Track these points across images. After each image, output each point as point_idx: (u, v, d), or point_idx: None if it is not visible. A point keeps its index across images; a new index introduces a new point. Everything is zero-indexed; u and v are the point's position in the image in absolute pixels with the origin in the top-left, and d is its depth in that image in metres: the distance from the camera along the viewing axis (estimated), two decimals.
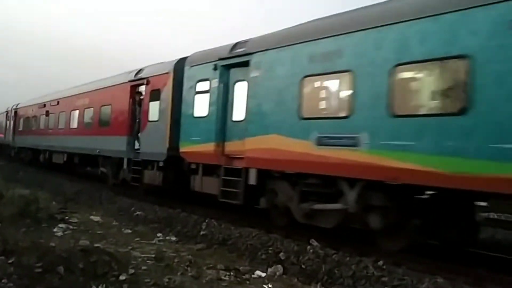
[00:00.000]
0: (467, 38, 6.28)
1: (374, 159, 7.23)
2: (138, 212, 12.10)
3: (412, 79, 7.21)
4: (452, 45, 6.45)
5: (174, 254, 7.90)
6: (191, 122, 11.59)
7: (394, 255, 7.42)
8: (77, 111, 19.14)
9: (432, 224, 7.56)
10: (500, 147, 5.81)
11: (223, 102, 10.65)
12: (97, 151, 16.38)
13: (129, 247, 8.25)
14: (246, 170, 9.79)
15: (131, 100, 14.60)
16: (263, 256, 8.03)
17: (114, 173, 15.71)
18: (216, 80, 10.79)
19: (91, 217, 11.40)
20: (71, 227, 9.86)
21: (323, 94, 8.61)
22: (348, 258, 7.23)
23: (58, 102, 22.08)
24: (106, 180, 16.52)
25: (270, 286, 6.70)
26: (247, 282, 6.82)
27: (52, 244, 7.31)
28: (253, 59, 9.80)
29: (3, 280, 5.47)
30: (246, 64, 9.98)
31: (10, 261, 6.06)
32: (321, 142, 8.11)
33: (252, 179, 9.64)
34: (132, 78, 14.68)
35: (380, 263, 6.99)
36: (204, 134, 10.94)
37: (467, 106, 6.20)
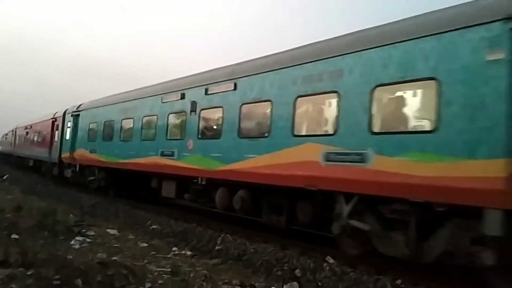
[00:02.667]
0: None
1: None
2: (154, 226, 12.26)
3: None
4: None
5: (189, 269, 7.85)
6: (65, 142, 23.07)
7: (413, 274, 7.33)
8: (36, 133, 31.27)
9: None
10: None
11: (74, 132, 21.92)
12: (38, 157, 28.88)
13: (145, 261, 8.22)
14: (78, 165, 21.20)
15: (51, 129, 26.31)
16: (279, 273, 7.98)
17: (47, 170, 27.36)
18: (72, 121, 22.34)
19: (108, 230, 11.37)
20: (88, 240, 9.84)
21: (93, 131, 19.69)
22: (365, 277, 7.16)
23: (31, 126, 34.05)
24: (46, 174, 27.59)
25: None
26: None
27: (70, 256, 7.32)
28: (80, 114, 21.48)
29: None
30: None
31: (29, 273, 6.03)
32: (92, 151, 19.23)
33: (77, 169, 21.10)
34: (52, 117, 26.62)
35: (399, 281, 6.90)
36: (68, 147, 22.32)
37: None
